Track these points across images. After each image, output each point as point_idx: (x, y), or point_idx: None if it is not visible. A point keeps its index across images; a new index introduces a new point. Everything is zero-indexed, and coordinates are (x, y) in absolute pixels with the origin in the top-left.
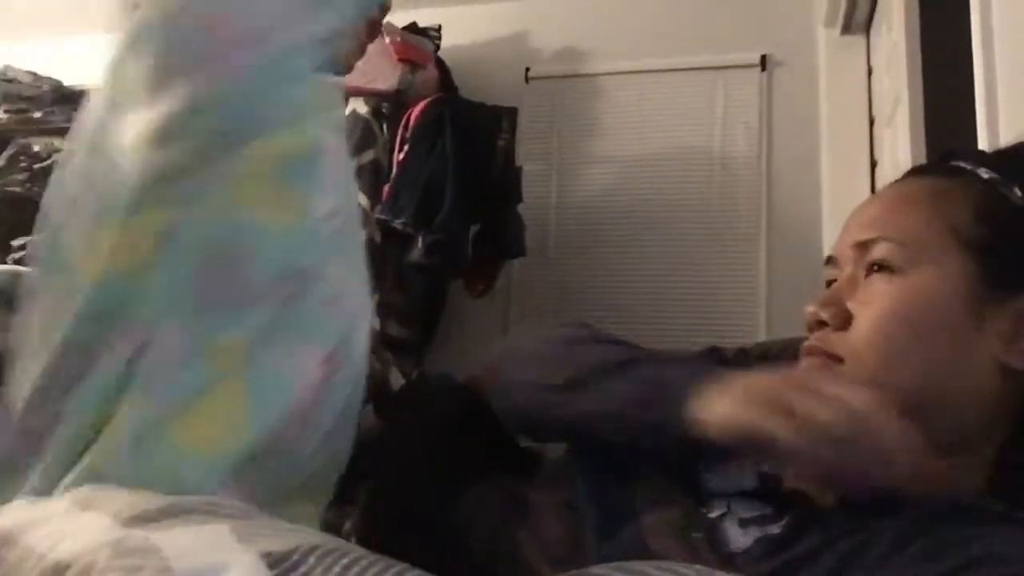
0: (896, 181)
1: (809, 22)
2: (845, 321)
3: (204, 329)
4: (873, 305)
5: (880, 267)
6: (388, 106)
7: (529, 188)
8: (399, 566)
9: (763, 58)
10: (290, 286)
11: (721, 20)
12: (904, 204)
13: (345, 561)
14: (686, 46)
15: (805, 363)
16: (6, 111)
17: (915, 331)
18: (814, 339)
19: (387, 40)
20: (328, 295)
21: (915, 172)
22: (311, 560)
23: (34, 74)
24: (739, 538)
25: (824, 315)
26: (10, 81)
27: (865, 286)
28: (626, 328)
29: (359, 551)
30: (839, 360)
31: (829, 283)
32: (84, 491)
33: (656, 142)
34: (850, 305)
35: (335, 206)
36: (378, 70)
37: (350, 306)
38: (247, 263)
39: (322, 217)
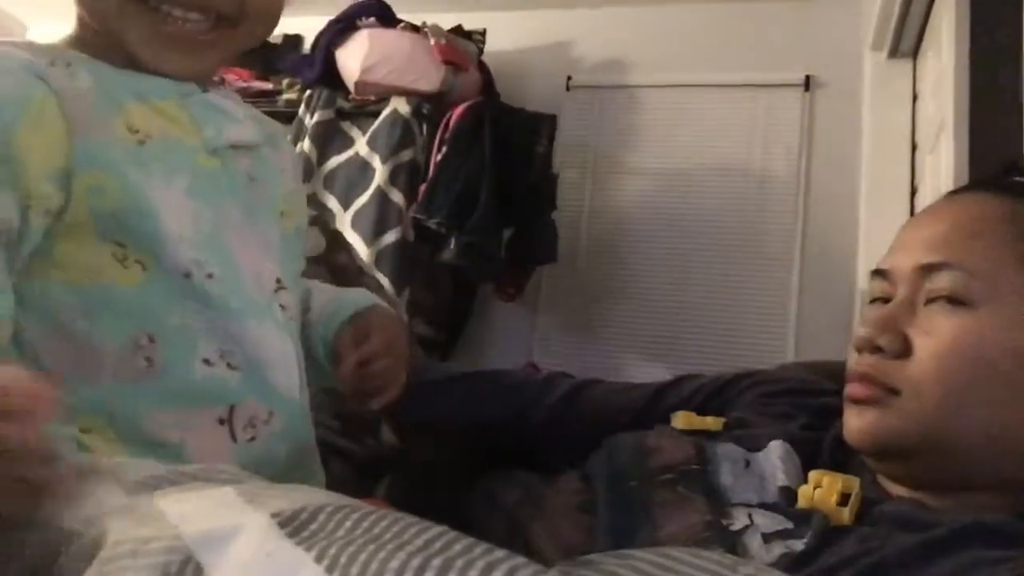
0: (958, 195)
1: (856, 44)
2: (904, 350)
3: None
4: (937, 338)
5: (948, 299)
6: (429, 107)
7: (564, 196)
8: (407, 519)
9: (807, 78)
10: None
11: (766, 38)
12: (975, 227)
13: (356, 516)
14: (729, 62)
15: (854, 390)
16: None
17: (983, 373)
18: (867, 366)
19: (432, 42)
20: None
21: (978, 187)
22: (321, 517)
23: None
24: (762, 553)
25: (881, 340)
26: None
27: (926, 314)
28: (649, 341)
29: (366, 507)
30: (895, 392)
31: (875, 299)
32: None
33: (693, 157)
34: (909, 332)
35: None
36: (421, 71)
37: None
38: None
39: None
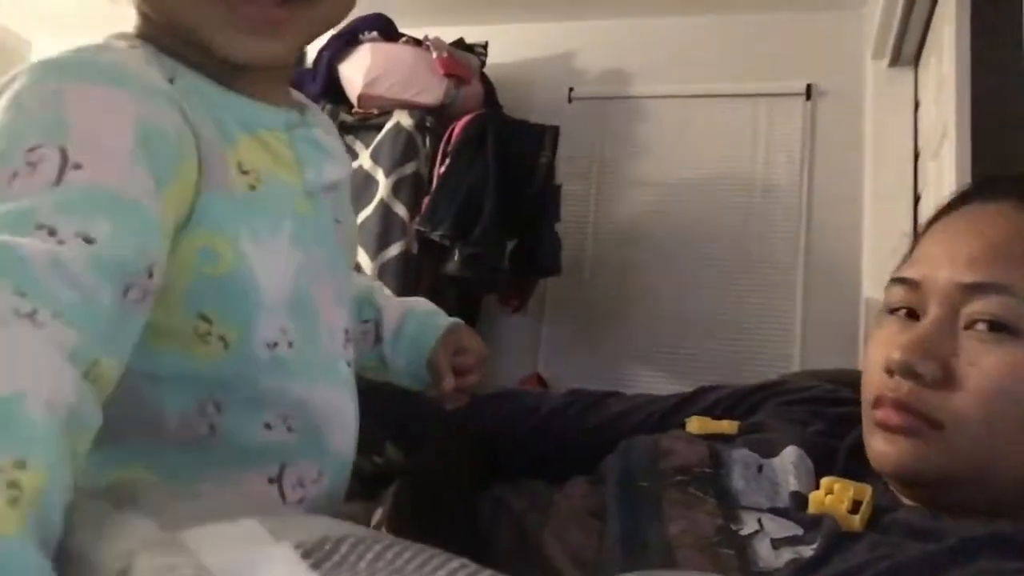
0: (988, 201)
1: (857, 53)
2: (946, 381)
3: None
4: (985, 371)
5: (994, 325)
6: (432, 119)
7: (567, 207)
8: (428, 551)
9: (808, 87)
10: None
11: (767, 47)
12: (1021, 243)
13: (378, 548)
14: (730, 72)
15: (889, 417)
16: None
17: None
18: (905, 395)
19: (434, 55)
20: None
21: (1009, 192)
22: (343, 549)
23: None
24: (771, 558)
25: (921, 367)
26: None
27: (968, 340)
28: (654, 352)
29: (388, 538)
30: (936, 425)
31: (897, 309)
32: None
33: (696, 167)
34: (952, 361)
35: None
36: (424, 84)
37: None
38: None
39: None
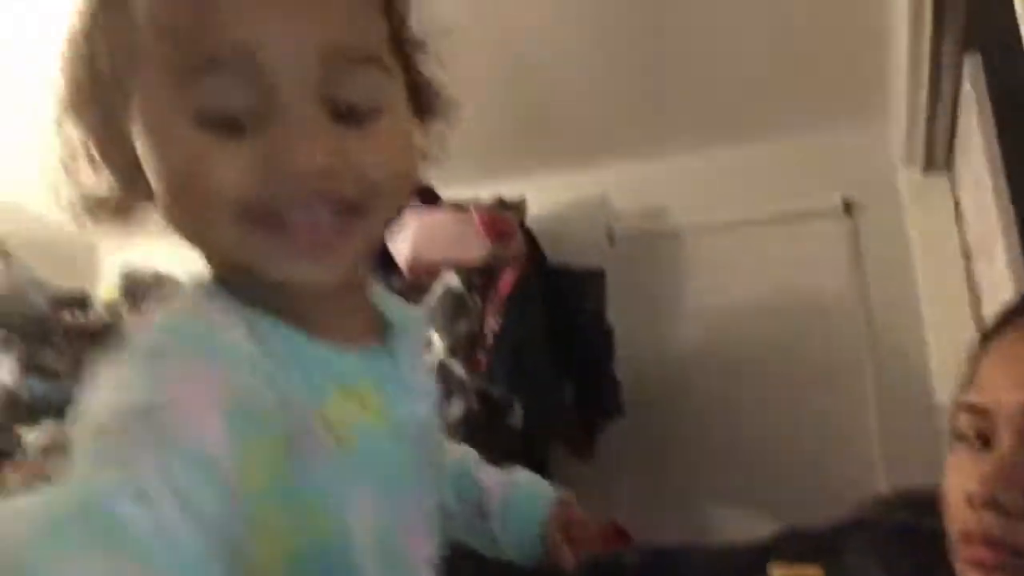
0: None
1: (889, 162)
2: None
3: None
4: None
5: None
6: (479, 277)
7: (622, 347)
8: None
9: (846, 202)
10: None
11: (798, 167)
12: None
13: None
14: (766, 195)
15: (980, 555)
16: (127, 306)
17: None
18: (993, 528)
19: (475, 216)
20: None
21: None
22: None
23: (156, 274)
24: None
25: (1004, 499)
26: (135, 282)
27: None
28: (730, 486)
29: None
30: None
31: (966, 437)
32: None
33: (746, 294)
34: None
35: None
36: (468, 245)
37: None
38: None
39: None
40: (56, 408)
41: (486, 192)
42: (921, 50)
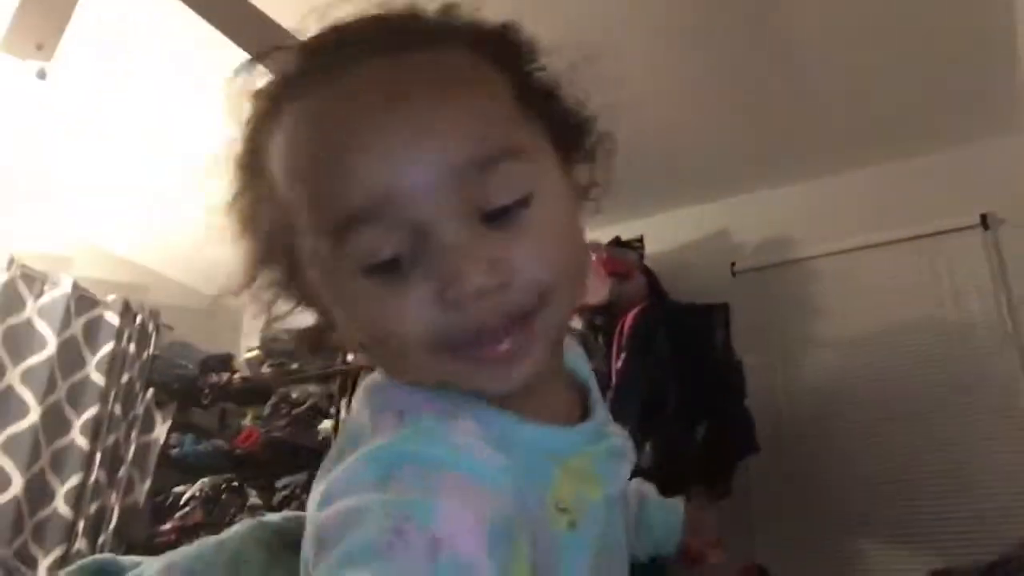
0: None
1: None
2: None
3: None
4: None
5: None
6: (602, 317)
7: (752, 382)
8: None
9: (983, 216)
10: None
11: (931, 185)
12: None
13: None
14: (896, 216)
15: None
16: (270, 365)
17: None
18: None
19: (594, 257)
20: None
21: None
22: None
23: (292, 331)
24: None
25: None
26: (273, 340)
27: None
28: (873, 521)
29: None
30: None
31: None
32: None
33: (881, 320)
34: None
35: None
36: (589, 287)
37: None
38: None
39: None
40: (207, 464)
41: (607, 234)
42: None
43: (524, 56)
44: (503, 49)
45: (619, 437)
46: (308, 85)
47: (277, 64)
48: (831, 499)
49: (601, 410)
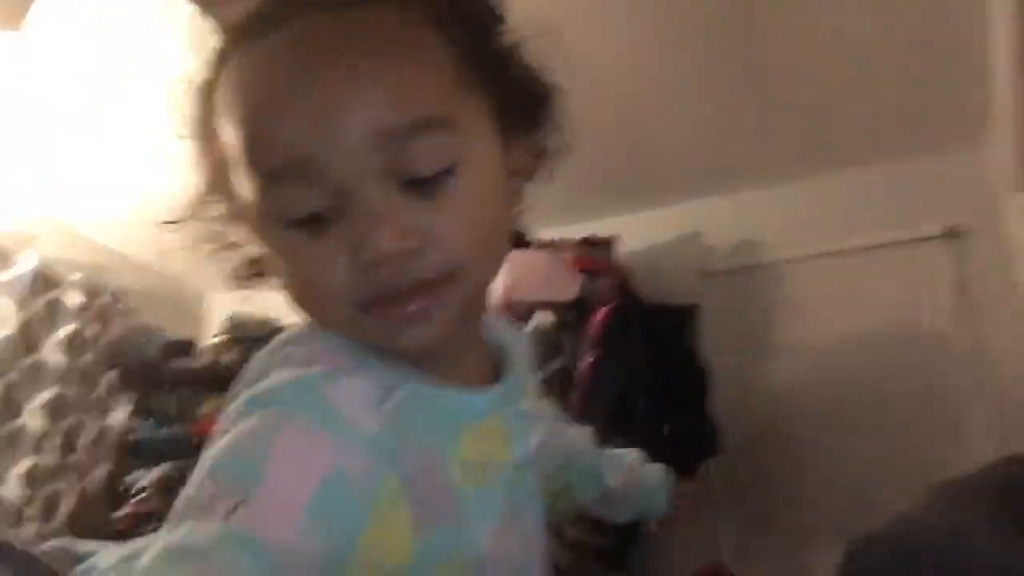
0: None
1: (993, 189)
2: None
3: None
4: None
5: None
6: (572, 314)
7: (719, 384)
8: None
9: (951, 228)
10: None
11: (901, 194)
12: None
13: None
14: (865, 224)
15: None
16: (234, 352)
17: None
18: None
19: (566, 254)
20: None
21: None
22: None
23: (258, 318)
24: None
25: None
26: (239, 325)
27: None
28: (838, 531)
29: None
30: None
31: None
32: None
33: (847, 326)
34: None
35: None
36: (560, 283)
37: None
38: None
39: None
40: (166, 450)
41: (579, 231)
42: None
43: (479, 21)
44: (456, 12)
45: (533, 400)
46: (256, 32)
47: (239, 8)
48: (793, 503)
49: (518, 375)
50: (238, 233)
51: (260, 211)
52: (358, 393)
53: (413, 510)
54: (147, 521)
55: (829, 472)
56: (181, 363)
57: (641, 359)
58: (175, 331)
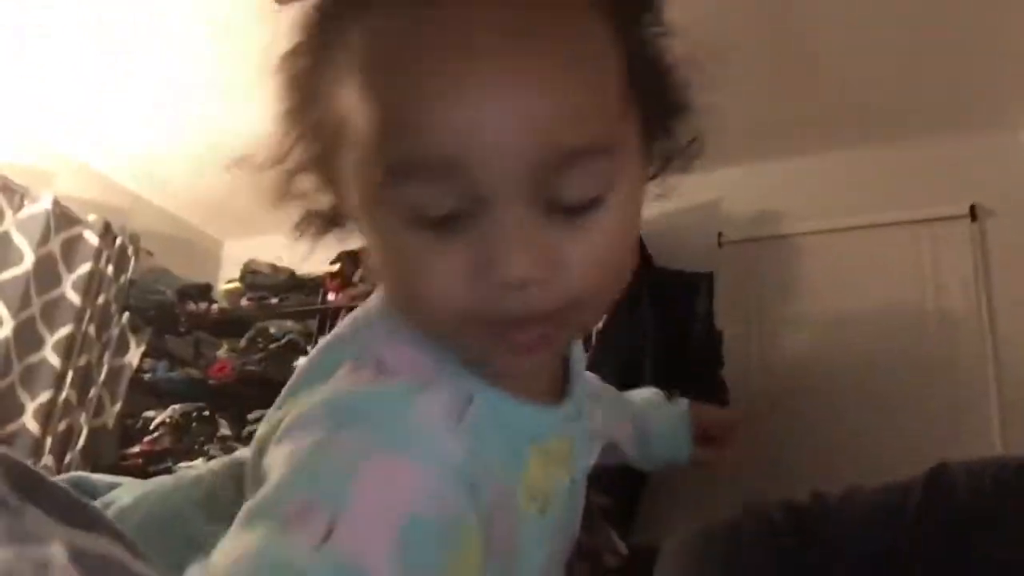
0: None
1: (1019, 169)
2: None
3: None
4: None
5: None
6: None
7: (729, 353)
8: None
9: (972, 208)
10: None
11: (923, 172)
12: None
13: None
14: (886, 200)
15: None
16: (249, 299)
17: None
18: None
19: None
20: None
21: None
22: None
23: (273, 265)
24: None
25: None
26: (254, 272)
27: None
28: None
29: None
30: None
31: None
32: None
33: (861, 301)
34: None
35: None
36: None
37: None
38: None
39: None
40: (180, 391)
41: None
42: None
43: (647, 11)
44: (627, 7)
45: (592, 413)
46: None
47: None
48: (794, 473)
49: (580, 387)
50: (309, 184)
51: (378, 199)
52: (442, 408)
53: (483, 546)
54: (159, 459)
55: (833, 445)
56: (196, 307)
57: (650, 326)
58: (191, 275)
